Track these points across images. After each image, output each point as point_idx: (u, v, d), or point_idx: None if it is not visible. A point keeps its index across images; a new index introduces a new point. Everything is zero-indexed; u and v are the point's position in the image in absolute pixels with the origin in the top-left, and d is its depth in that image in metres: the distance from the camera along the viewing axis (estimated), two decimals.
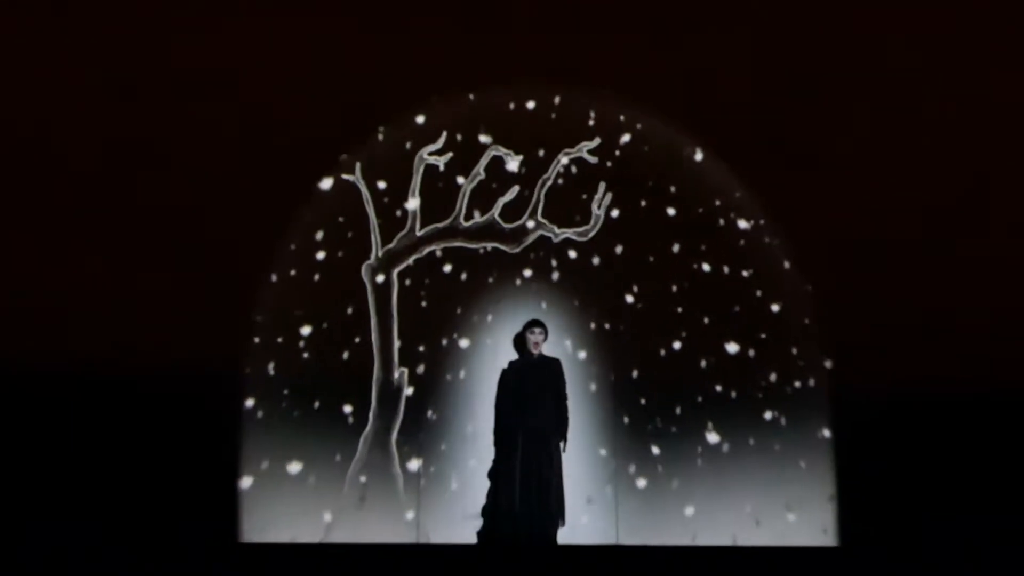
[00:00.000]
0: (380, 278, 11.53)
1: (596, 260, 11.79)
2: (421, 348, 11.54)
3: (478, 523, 10.82)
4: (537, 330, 11.16)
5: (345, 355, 11.43)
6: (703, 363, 11.57)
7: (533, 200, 11.85)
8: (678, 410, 11.40)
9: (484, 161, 11.88)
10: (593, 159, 11.89)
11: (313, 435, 11.19)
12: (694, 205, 11.85)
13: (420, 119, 11.89)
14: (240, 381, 11.27)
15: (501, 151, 11.90)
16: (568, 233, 11.84)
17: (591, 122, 11.98)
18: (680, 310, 11.66)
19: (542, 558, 10.12)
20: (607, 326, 11.60)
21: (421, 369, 11.47)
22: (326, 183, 11.69)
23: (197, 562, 9.61)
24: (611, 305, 11.65)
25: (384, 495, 11.23)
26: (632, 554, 10.53)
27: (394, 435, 11.34)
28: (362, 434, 11.29)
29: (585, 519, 11.20)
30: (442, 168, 11.87)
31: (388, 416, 11.37)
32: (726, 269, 11.79)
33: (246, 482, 11.16)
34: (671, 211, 11.88)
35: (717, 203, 11.90)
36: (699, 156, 11.94)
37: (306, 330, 11.47)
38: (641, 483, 11.36)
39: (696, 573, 9.67)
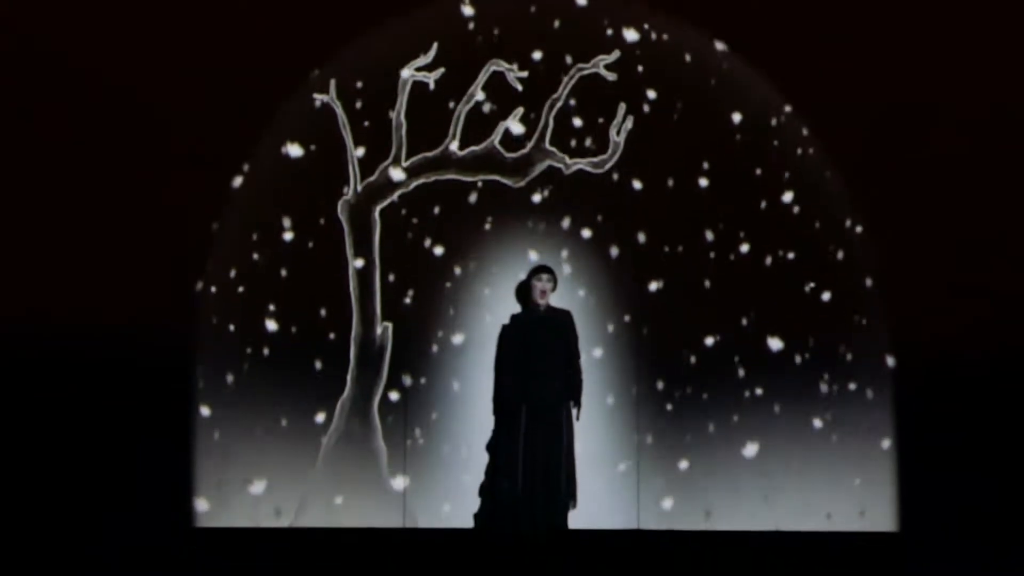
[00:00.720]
0: (359, 263, 10.55)
1: (614, 250, 10.65)
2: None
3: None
4: (545, 276, 10.12)
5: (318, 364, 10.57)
6: (740, 367, 10.53)
7: (540, 124, 10.67)
8: (711, 426, 10.45)
9: (482, 79, 10.67)
10: (611, 76, 10.68)
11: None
12: (732, 177, 10.64)
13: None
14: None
15: (503, 67, 10.68)
16: (581, 164, 10.68)
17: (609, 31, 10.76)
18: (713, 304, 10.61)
19: (550, 544, 9.52)
20: (627, 319, 10.56)
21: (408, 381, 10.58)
22: (295, 150, 10.63)
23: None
24: (632, 300, 10.62)
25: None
26: (657, 539, 9.92)
27: (376, 402, 10.46)
28: (339, 400, 10.43)
29: None
30: (432, 87, 10.68)
31: (369, 379, 10.47)
32: (768, 258, 10.60)
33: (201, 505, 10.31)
34: (703, 182, 10.66)
35: (758, 172, 10.63)
36: (737, 117, 10.68)
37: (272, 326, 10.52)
38: (667, 504, 10.43)
39: (727, 561, 9.11)
